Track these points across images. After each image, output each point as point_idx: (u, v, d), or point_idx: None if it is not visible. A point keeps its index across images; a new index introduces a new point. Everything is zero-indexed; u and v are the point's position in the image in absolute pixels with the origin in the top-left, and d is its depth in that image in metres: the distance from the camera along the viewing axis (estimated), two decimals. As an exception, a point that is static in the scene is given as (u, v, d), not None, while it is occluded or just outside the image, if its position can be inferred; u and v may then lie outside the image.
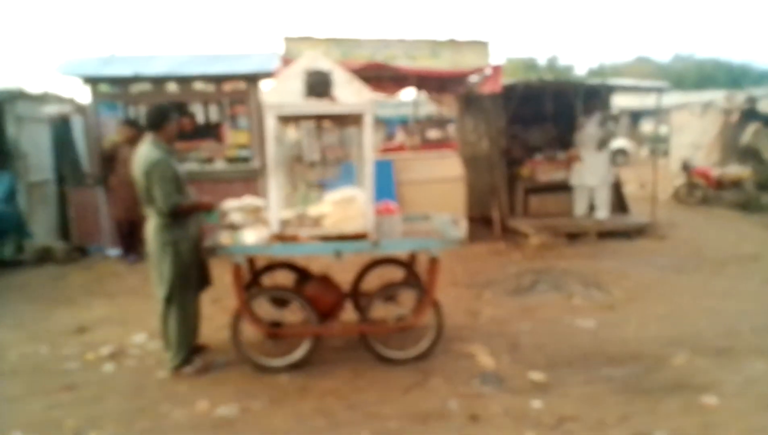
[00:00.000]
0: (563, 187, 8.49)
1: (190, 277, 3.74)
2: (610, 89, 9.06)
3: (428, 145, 13.19)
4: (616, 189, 8.81)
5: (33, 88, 7.92)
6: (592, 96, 8.22)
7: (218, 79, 7.57)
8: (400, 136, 16.78)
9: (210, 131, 7.65)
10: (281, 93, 3.45)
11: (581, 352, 4.07)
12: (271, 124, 3.47)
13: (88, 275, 6.60)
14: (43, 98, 8.07)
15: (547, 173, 8.66)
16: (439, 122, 16.27)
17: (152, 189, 3.56)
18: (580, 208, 8.30)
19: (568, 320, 4.73)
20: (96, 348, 4.31)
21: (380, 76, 7.68)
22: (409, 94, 10.46)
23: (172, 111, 3.76)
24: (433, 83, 8.48)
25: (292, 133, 3.88)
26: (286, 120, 3.88)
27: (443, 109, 11.48)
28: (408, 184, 7.58)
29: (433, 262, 3.74)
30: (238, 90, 7.63)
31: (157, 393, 3.59)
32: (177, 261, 3.63)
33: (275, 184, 3.59)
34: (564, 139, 8.91)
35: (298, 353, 3.83)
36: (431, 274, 3.77)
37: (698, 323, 4.60)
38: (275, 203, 3.59)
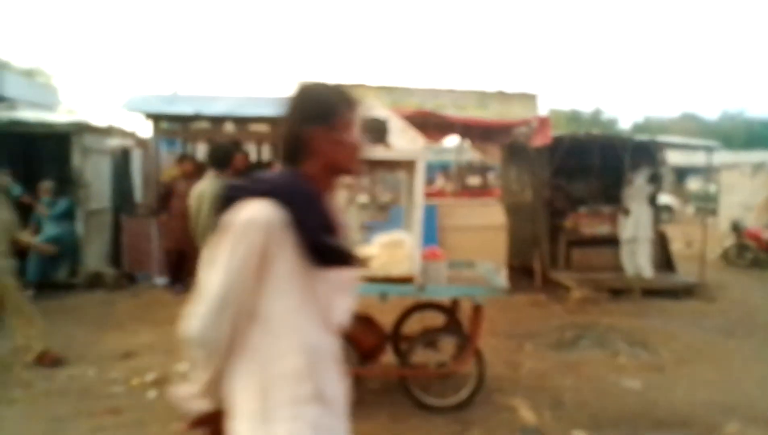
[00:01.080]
0: (607, 241, 8.35)
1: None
2: (660, 145, 8.97)
3: (467, 191, 13.24)
4: (663, 246, 8.61)
5: (99, 122, 8.42)
6: (640, 151, 8.17)
7: (273, 121, 7.90)
8: (439, 182, 16.92)
9: (261, 169, 7.92)
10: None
11: (627, 413, 3.93)
12: (327, 166, 3.60)
13: (136, 302, 6.82)
14: (108, 131, 8.58)
15: (591, 226, 8.56)
16: (480, 169, 16.35)
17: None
18: (630, 264, 8.08)
19: (614, 379, 4.59)
20: (141, 374, 4.43)
21: (426, 123, 7.85)
22: (452, 141, 10.62)
23: (235, 151, 3.98)
24: (478, 132, 8.60)
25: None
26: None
27: (486, 158, 11.57)
28: (450, 229, 7.60)
29: (478, 309, 3.73)
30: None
31: (199, 423, 3.64)
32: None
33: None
34: (609, 193, 8.82)
35: (338, 393, 3.83)
36: (475, 322, 3.76)
37: (751, 391, 4.40)
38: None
